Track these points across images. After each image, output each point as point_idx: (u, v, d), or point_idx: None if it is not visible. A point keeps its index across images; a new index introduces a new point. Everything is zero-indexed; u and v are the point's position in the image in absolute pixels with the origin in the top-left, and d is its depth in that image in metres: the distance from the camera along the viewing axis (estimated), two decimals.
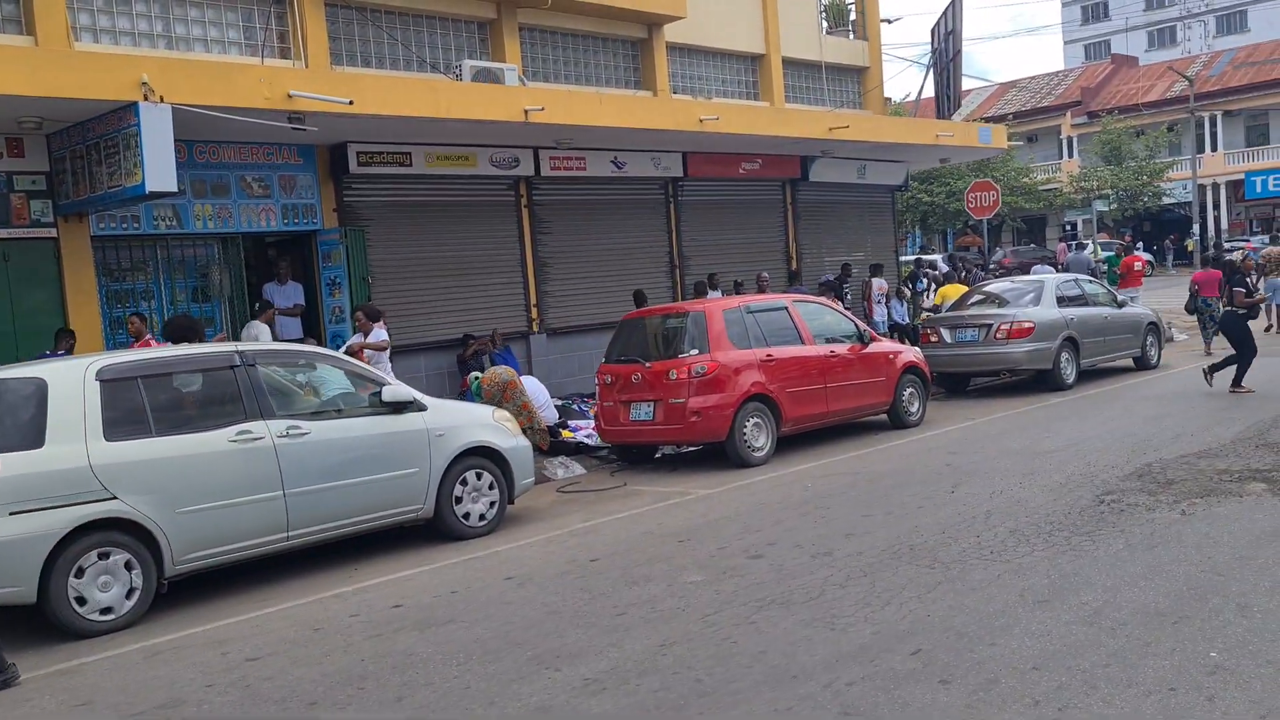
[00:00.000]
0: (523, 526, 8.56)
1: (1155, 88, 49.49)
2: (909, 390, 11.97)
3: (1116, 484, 7.88)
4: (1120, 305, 15.52)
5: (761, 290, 14.93)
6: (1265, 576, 5.42)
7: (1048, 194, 46.36)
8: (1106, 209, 42.62)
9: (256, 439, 7.09)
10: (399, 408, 7.87)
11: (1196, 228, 42.53)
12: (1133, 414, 11.45)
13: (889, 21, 31.01)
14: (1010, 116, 49.50)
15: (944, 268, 28.48)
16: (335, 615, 6.37)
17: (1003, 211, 47.23)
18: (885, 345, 12.00)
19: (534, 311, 15.41)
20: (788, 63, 19.90)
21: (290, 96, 10.84)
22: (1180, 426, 10.22)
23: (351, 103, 10.79)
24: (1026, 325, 13.73)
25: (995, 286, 15.99)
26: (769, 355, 10.51)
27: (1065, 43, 72.69)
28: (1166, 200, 45.38)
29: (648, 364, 10.38)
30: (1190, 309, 17.56)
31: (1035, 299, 14.36)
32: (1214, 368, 12.36)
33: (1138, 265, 19.92)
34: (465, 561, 7.49)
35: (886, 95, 23.15)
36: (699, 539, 7.44)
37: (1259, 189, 44.99)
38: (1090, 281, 16.07)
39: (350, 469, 7.50)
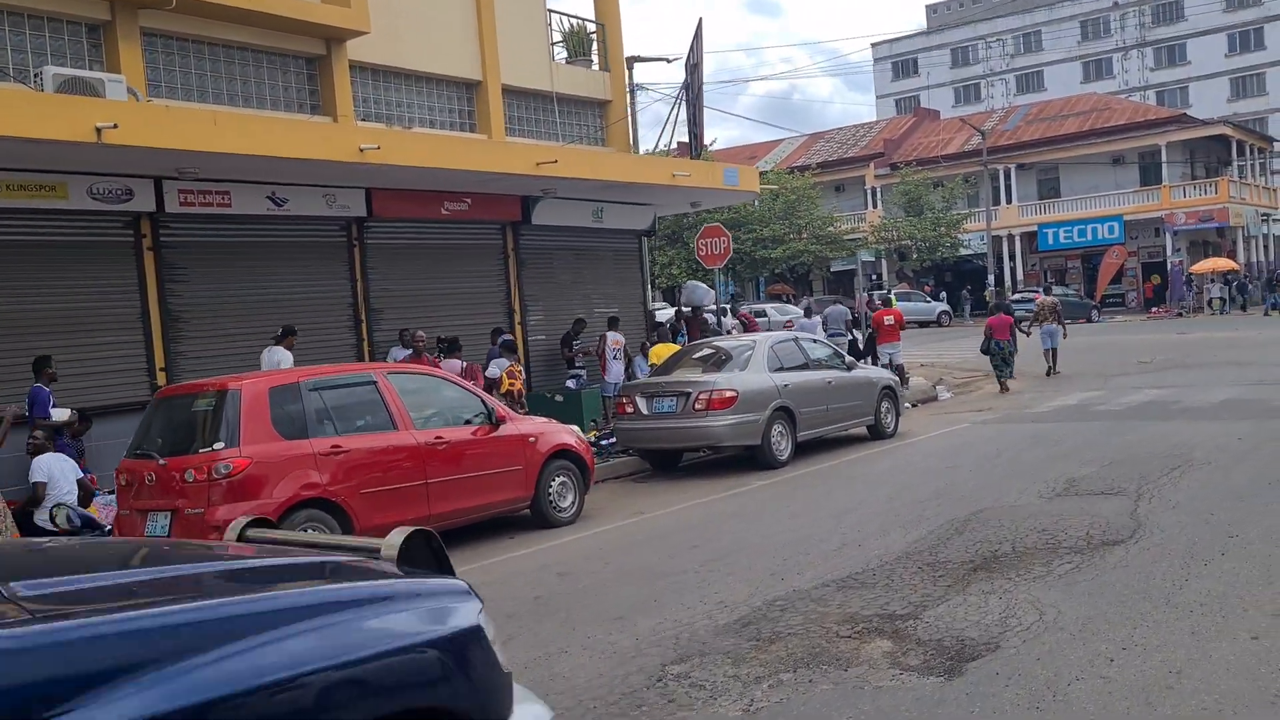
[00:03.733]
0: None
1: (954, 141, 49.93)
2: (559, 480, 9.58)
3: (704, 640, 5.64)
4: (849, 368, 13.65)
5: (417, 354, 12.37)
6: None
7: (851, 243, 45.90)
8: (871, 259, 42.09)
9: None
10: None
11: (992, 278, 42.61)
12: (821, 507, 9.42)
13: (668, 60, 29.42)
14: (816, 166, 49.10)
15: (730, 322, 25.61)
16: None
17: (807, 261, 46.58)
18: (525, 426, 9.57)
19: (161, 377, 12.51)
20: (512, 92, 17.71)
21: None
22: (857, 528, 8.19)
23: None
24: (728, 395, 11.62)
25: (715, 344, 13.93)
26: (336, 446, 7.94)
27: (878, 97, 74.05)
28: (965, 251, 45.45)
29: (162, 461, 7.69)
30: (984, 350, 18.84)
31: (745, 363, 12.31)
32: None
33: (888, 320, 18.35)
34: None
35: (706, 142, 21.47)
36: None
37: (1050, 241, 45.58)
38: (816, 342, 14.17)
39: None
